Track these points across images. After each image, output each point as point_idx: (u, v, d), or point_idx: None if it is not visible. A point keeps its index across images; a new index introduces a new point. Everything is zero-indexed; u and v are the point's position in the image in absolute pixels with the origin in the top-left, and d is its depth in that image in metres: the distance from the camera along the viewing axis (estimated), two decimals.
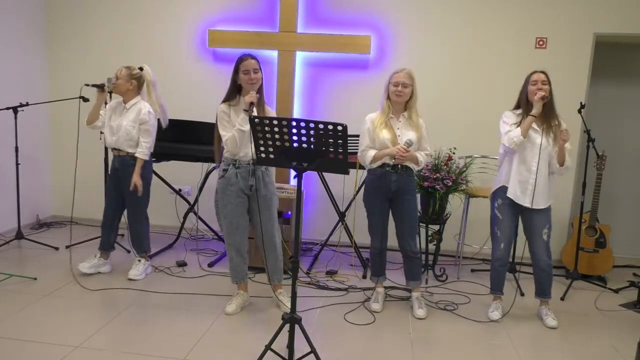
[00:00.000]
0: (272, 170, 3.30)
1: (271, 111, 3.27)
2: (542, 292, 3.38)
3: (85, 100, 3.88)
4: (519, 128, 3.16)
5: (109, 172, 3.76)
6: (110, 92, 3.78)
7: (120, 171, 3.66)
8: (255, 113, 3.08)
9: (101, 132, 3.77)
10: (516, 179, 3.24)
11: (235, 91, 3.15)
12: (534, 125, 3.20)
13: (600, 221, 4.24)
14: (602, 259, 4.21)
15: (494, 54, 4.56)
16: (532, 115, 3.15)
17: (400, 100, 3.21)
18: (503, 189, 3.31)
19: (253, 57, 3.09)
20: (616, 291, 3.99)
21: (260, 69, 3.11)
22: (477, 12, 4.54)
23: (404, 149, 3.11)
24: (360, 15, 4.66)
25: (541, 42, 4.48)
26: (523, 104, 3.26)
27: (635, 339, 3.08)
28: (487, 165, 4.54)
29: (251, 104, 2.97)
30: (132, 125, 3.57)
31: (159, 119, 3.69)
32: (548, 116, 3.21)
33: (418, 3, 4.59)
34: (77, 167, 5.11)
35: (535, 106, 3.14)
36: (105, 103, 3.78)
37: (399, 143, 3.17)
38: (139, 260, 3.81)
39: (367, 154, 3.25)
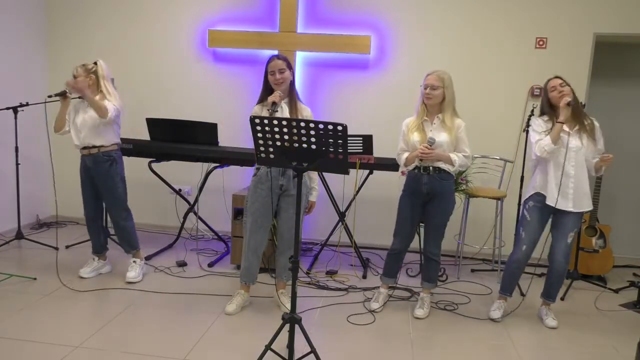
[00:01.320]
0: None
1: (305, 108, 3.24)
2: (548, 294, 3.38)
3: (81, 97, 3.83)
4: (549, 136, 3.13)
5: (81, 173, 3.69)
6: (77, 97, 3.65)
7: (93, 170, 3.60)
8: (285, 111, 3.10)
9: None
10: (554, 185, 3.18)
11: (267, 92, 3.16)
12: (565, 128, 3.16)
13: (600, 221, 4.24)
14: (602, 259, 4.21)
15: (494, 54, 4.56)
16: (560, 122, 3.12)
17: (430, 102, 3.20)
18: (537, 195, 3.26)
19: (279, 58, 3.12)
20: (616, 291, 3.99)
21: (289, 67, 3.13)
22: (477, 12, 4.54)
23: (425, 147, 3.10)
24: (360, 15, 4.66)
25: (541, 42, 4.48)
26: (548, 111, 3.25)
27: (635, 339, 3.08)
28: (487, 165, 4.55)
29: (273, 103, 2.99)
30: (97, 117, 3.50)
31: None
32: (576, 117, 3.18)
33: (418, 3, 4.59)
34: (76, 167, 5.12)
35: (562, 112, 3.12)
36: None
37: None
38: (134, 262, 3.78)
39: (401, 157, 3.30)
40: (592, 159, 3.22)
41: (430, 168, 3.21)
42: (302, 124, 2.29)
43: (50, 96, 3.59)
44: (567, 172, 3.17)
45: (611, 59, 4.85)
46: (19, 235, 4.38)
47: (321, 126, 2.27)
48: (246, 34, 4.69)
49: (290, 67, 3.15)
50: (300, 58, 4.74)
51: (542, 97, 3.31)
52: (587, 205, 3.23)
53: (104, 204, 3.80)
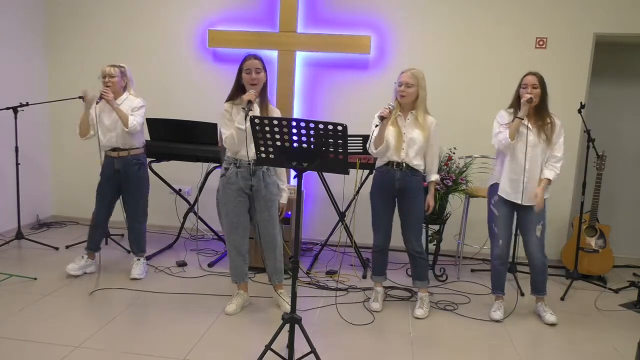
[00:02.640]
0: (276, 170, 3.28)
1: (275, 110, 3.25)
2: (536, 289, 3.43)
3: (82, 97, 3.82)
4: (507, 130, 3.22)
5: (104, 175, 3.67)
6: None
7: (122, 172, 3.62)
8: (257, 111, 3.08)
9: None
10: (507, 177, 3.29)
11: (238, 90, 3.15)
12: (528, 124, 3.23)
13: (600, 221, 4.24)
14: (602, 259, 4.21)
15: (494, 54, 4.55)
16: (518, 118, 3.20)
17: (404, 100, 3.23)
18: (496, 186, 3.36)
19: (256, 57, 3.10)
20: (616, 291, 3.99)
21: (265, 69, 3.12)
22: (477, 12, 4.54)
23: (385, 108, 3.11)
24: (360, 15, 4.66)
25: (541, 42, 4.48)
26: (515, 104, 3.31)
27: (635, 339, 3.08)
28: (487, 165, 4.54)
29: (249, 102, 2.97)
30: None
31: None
32: (540, 115, 3.25)
33: (418, 3, 4.59)
34: (76, 167, 5.13)
35: (522, 109, 3.19)
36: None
37: (404, 140, 3.23)
38: (139, 260, 3.82)
39: (371, 142, 3.23)
40: (546, 159, 3.26)
41: (404, 164, 3.25)
42: (302, 124, 2.29)
43: (98, 102, 3.50)
44: (521, 166, 3.24)
45: (611, 59, 4.85)
46: (19, 235, 4.38)
47: (321, 126, 2.27)
48: (246, 34, 4.69)
49: (265, 68, 3.13)
50: (300, 58, 4.74)
51: (516, 89, 3.32)
52: (534, 200, 3.26)
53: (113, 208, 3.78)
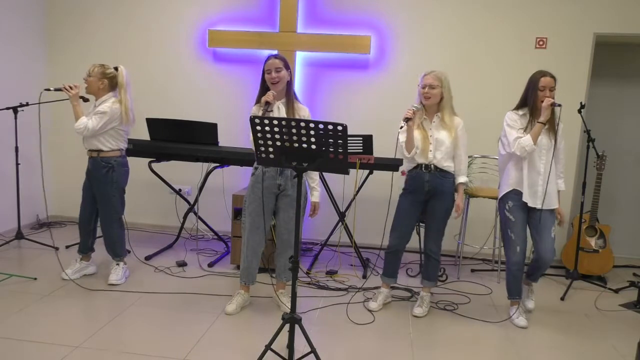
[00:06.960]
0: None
1: (304, 109, 3.22)
2: (535, 278, 3.45)
3: (86, 100, 3.81)
4: (529, 136, 3.13)
5: (86, 174, 3.63)
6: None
7: (92, 173, 3.56)
8: (282, 111, 3.08)
9: None
10: (528, 183, 3.22)
11: (264, 92, 3.13)
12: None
13: (600, 221, 4.24)
14: (602, 259, 4.21)
15: (494, 53, 4.56)
16: (541, 123, 3.11)
17: (429, 102, 3.22)
18: (514, 192, 3.27)
19: (277, 57, 3.10)
20: (616, 291, 3.99)
21: (287, 67, 3.11)
22: (477, 12, 4.54)
23: (409, 110, 3.14)
24: (360, 15, 4.66)
25: (541, 42, 4.49)
26: (530, 106, 3.20)
27: (635, 339, 3.08)
28: (487, 165, 4.55)
29: (266, 103, 2.97)
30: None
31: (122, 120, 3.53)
32: (551, 118, 3.19)
33: (418, 3, 4.60)
34: (76, 167, 5.13)
35: (544, 113, 3.10)
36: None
37: (431, 142, 3.23)
38: (117, 264, 3.71)
39: (400, 142, 3.24)
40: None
41: (432, 166, 3.24)
42: (302, 124, 2.29)
43: (50, 89, 3.48)
44: (538, 170, 3.20)
45: (611, 59, 4.85)
46: (19, 235, 4.37)
47: (321, 126, 2.27)
48: (246, 34, 4.69)
49: (288, 67, 3.13)
50: (300, 58, 4.74)
51: (527, 90, 3.24)
52: (555, 204, 3.27)
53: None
